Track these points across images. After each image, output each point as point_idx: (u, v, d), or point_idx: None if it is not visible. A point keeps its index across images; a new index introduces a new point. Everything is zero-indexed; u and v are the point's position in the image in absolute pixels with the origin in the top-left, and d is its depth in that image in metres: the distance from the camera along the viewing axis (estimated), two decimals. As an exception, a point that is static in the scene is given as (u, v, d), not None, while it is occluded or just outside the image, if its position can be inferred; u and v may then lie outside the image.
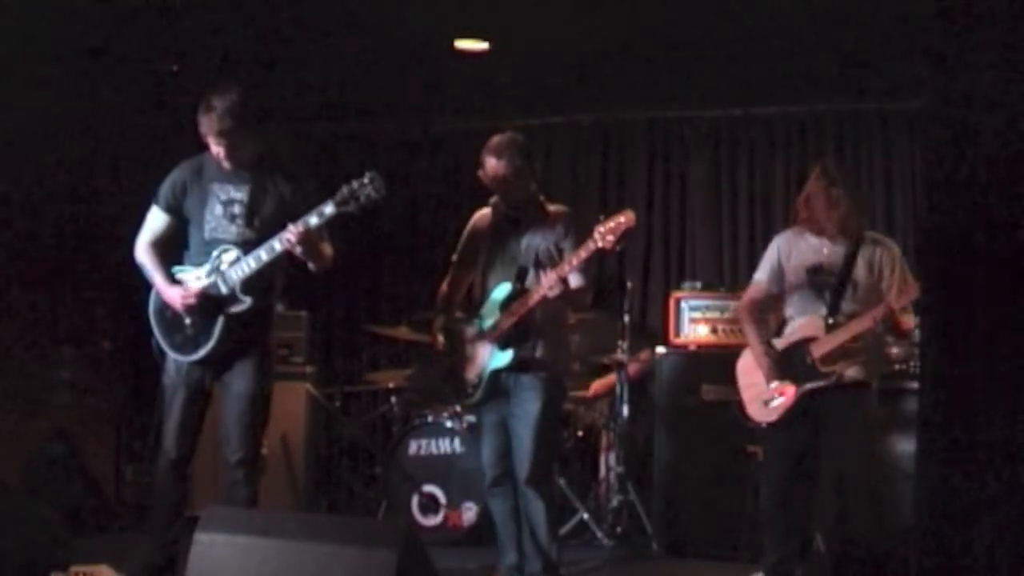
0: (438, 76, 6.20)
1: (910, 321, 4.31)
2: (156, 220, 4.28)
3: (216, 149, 4.11)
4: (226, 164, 4.16)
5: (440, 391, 4.61)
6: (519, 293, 4.22)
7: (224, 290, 4.11)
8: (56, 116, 5.53)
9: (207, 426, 4.34)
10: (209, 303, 4.12)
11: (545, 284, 4.07)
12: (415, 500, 5.59)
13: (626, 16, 5.22)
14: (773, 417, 4.28)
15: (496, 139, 4.33)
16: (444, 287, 4.55)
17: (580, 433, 5.81)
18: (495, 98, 6.46)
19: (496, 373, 4.26)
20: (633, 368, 5.76)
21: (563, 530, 5.35)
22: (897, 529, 4.05)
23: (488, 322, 4.29)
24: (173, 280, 4.21)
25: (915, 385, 4.87)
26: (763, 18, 5.15)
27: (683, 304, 5.66)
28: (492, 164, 4.28)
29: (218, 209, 4.18)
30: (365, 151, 7.22)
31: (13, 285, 5.59)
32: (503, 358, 4.24)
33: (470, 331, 4.38)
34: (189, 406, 4.21)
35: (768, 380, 4.29)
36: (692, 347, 5.59)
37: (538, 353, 4.25)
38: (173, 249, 4.28)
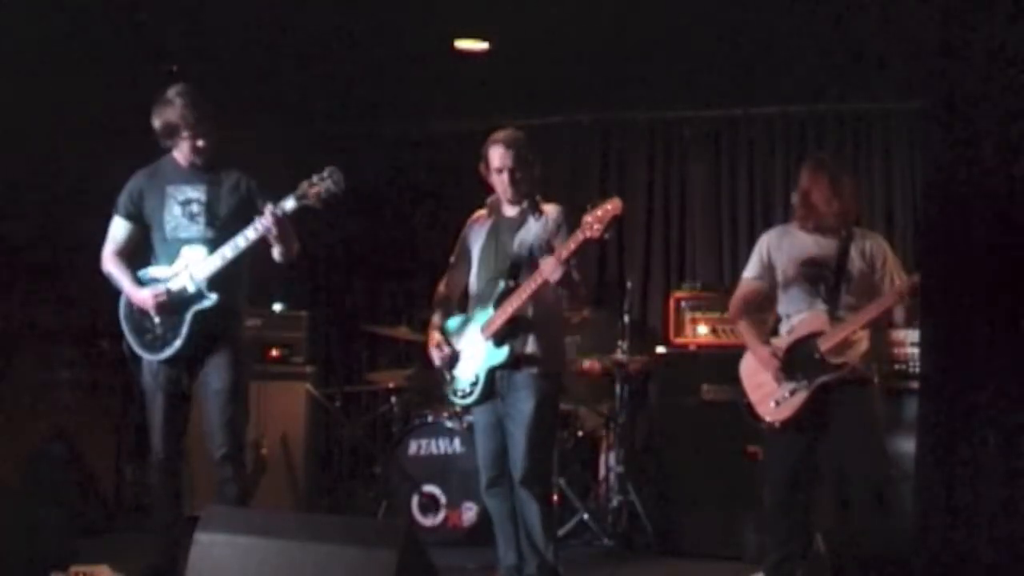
0: (438, 76, 6.20)
1: (899, 315, 4.32)
2: (118, 229, 4.38)
3: (189, 142, 4.23)
4: (198, 158, 4.27)
5: (440, 391, 4.60)
6: (512, 289, 4.22)
7: (191, 288, 4.20)
8: (56, 116, 5.53)
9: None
10: (177, 301, 4.21)
11: (546, 270, 4.05)
12: (415, 500, 5.59)
13: (626, 16, 5.22)
14: (785, 415, 4.25)
15: (503, 132, 4.34)
16: (441, 287, 4.55)
17: (580, 433, 5.81)
18: (495, 98, 6.45)
19: (492, 371, 4.26)
20: (633, 367, 5.75)
21: (563, 530, 5.35)
22: (897, 529, 4.04)
23: (482, 320, 4.29)
24: (141, 284, 4.30)
25: (915, 385, 4.87)
26: (763, 18, 5.15)
27: (683, 304, 5.66)
28: (500, 154, 4.27)
29: (176, 209, 4.28)
30: (365, 151, 7.23)
31: (13, 285, 5.59)
32: (499, 355, 4.23)
33: (465, 329, 4.38)
34: (169, 408, 4.29)
35: (778, 381, 4.26)
36: (692, 347, 5.59)
37: (529, 349, 4.23)
38: (138, 257, 4.37)
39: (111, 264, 4.36)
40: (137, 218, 4.35)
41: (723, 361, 5.30)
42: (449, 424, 5.62)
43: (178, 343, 4.21)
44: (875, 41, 5.31)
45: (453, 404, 4.56)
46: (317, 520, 3.94)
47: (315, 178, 4.09)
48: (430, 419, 5.69)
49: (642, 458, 5.85)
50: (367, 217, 7.17)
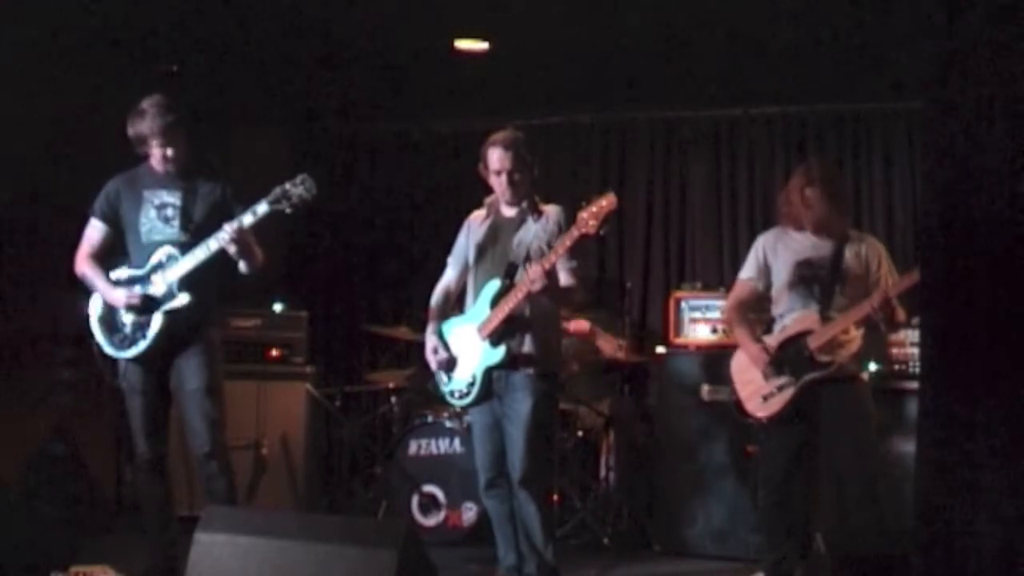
0: (438, 76, 6.20)
1: (903, 313, 4.33)
2: (94, 231, 4.47)
3: (159, 151, 4.32)
4: (170, 165, 4.36)
5: (437, 391, 4.60)
6: (508, 289, 4.22)
7: (162, 288, 4.28)
8: (56, 116, 5.53)
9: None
10: (148, 301, 4.29)
11: (528, 279, 4.07)
12: (415, 500, 5.59)
13: (626, 16, 5.21)
14: (772, 411, 4.28)
15: (502, 133, 4.35)
16: (438, 289, 4.55)
17: (580, 433, 5.80)
18: (495, 98, 6.46)
19: (489, 371, 4.26)
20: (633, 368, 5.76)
21: (563, 530, 5.35)
22: (897, 529, 4.05)
23: (479, 320, 4.29)
24: (113, 284, 4.38)
25: (915, 385, 4.87)
26: (763, 18, 5.15)
27: (683, 304, 5.67)
28: (498, 156, 4.28)
29: (152, 212, 4.37)
30: (365, 151, 7.24)
31: (13, 285, 5.59)
32: (495, 355, 4.23)
33: (462, 329, 4.38)
34: (148, 408, 4.36)
35: (766, 376, 4.30)
36: (692, 347, 5.59)
37: (526, 348, 4.24)
38: (112, 260, 4.44)
39: (85, 265, 4.43)
40: (113, 221, 4.44)
41: (723, 361, 5.30)
42: (449, 424, 5.62)
43: (144, 343, 4.29)
44: (875, 41, 5.31)
45: (452, 404, 4.55)
46: (317, 520, 3.94)
47: (288, 184, 4.20)
48: (430, 419, 5.69)
49: (642, 458, 5.85)
50: (367, 217, 7.17)
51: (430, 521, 5.54)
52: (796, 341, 4.27)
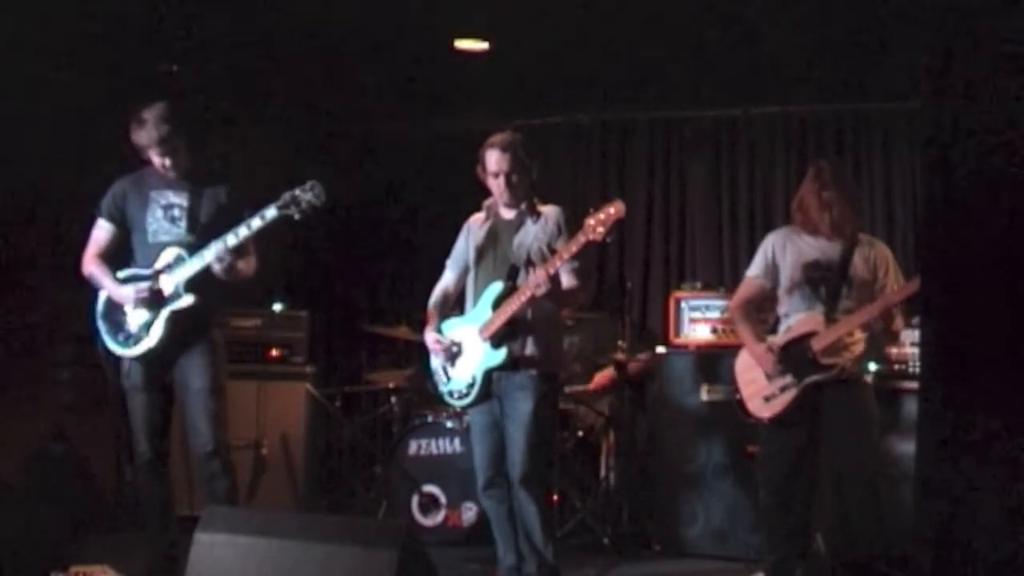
0: (438, 76, 6.20)
1: (900, 323, 4.33)
2: (100, 231, 4.49)
3: (158, 160, 4.35)
4: (171, 173, 4.38)
5: (435, 391, 4.61)
6: (510, 291, 4.22)
7: (170, 288, 4.30)
8: (56, 116, 5.52)
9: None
10: (154, 300, 4.31)
11: (532, 283, 4.08)
12: (415, 500, 5.59)
13: (626, 16, 5.21)
14: (774, 412, 4.28)
15: (499, 135, 4.35)
16: (436, 291, 4.56)
17: (580, 433, 5.81)
18: (495, 98, 6.46)
19: (489, 373, 4.26)
20: (633, 367, 5.77)
21: (563, 530, 5.35)
22: (897, 529, 4.05)
23: (480, 321, 4.29)
24: (121, 282, 4.39)
25: (915, 385, 4.87)
26: (763, 18, 5.15)
27: (683, 304, 5.66)
28: (496, 158, 4.28)
29: (159, 213, 4.39)
30: (365, 151, 7.23)
31: (14, 284, 5.59)
32: (496, 357, 4.23)
33: (461, 331, 4.38)
34: (150, 407, 4.38)
35: (770, 376, 4.30)
36: (692, 347, 5.59)
37: (528, 350, 4.24)
38: (119, 261, 4.46)
39: (92, 265, 4.45)
40: (120, 221, 4.45)
41: (723, 361, 5.31)
42: (449, 424, 5.62)
43: (150, 341, 4.31)
44: (875, 41, 5.31)
45: (451, 405, 4.56)
46: (317, 520, 3.94)
47: (297, 190, 4.21)
48: (430, 419, 5.69)
49: (642, 458, 5.85)
50: (367, 217, 7.17)
51: (430, 521, 5.54)
52: (800, 342, 4.27)
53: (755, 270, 4.49)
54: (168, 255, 4.32)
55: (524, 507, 4.24)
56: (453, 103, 6.68)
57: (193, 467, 4.59)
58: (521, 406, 4.21)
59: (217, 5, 5.10)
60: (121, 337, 4.36)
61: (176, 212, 4.38)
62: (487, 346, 4.25)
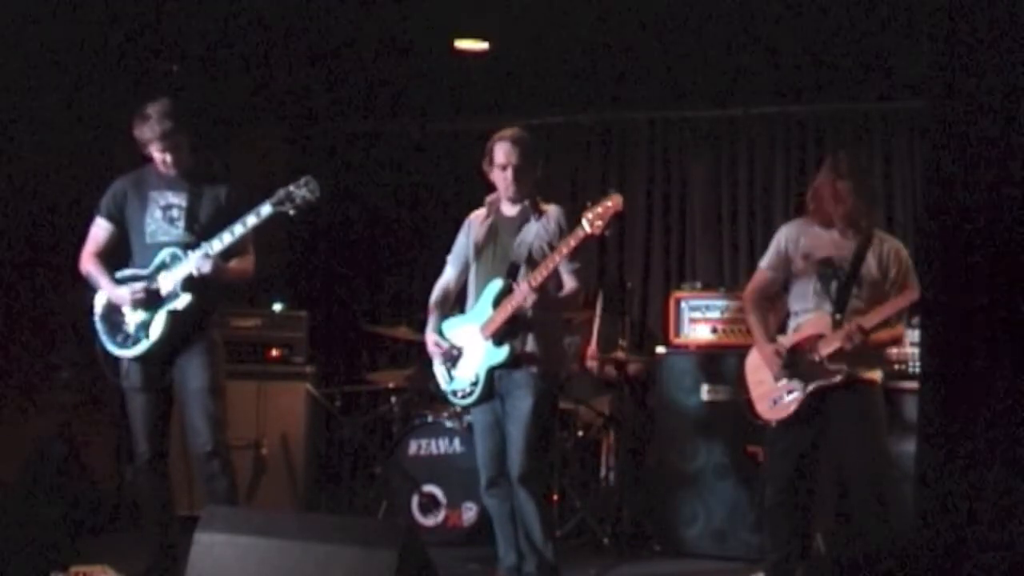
0: (438, 76, 6.20)
1: (887, 335, 4.29)
2: (99, 230, 4.50)
3: (159, 156, 4.35)
4: (171, 169, 4.39)
5: (438, 391, 4.61)
6: (511, 289, 4.22)
7: (168, 288, 4.30)
8: (57, 115, 5.53)
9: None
10: (151, 300, 4.31)
11: (517, 296, 4.12)
12: (415, 500, 5.59)
13: (626, 16, 5.21)
14: (782, 415, 4.26)
15: (509, 129, 4.37)
16: (437, 289, 4.55)
17: (580, 433, 5.80)
18: (495, 98, 6.45)
19: (492, 371, 4.26)
20: (633, 367, 5.77)
21: (563, 530, 5.35)
22: (897, 529, 4.05)
23: (481, 320, 4.29)
24: (118, 283, 4.40)
25: (915, 385, 4.87)
26: (764, 18, 5.15)
27: (683, 304, 5.66)
28: (505, 150, 4.28)
29: (158, 213, 4.40)
30: (365, 151, 7.23)
31: (14, 285, 5.59)
32: (499, 354, 4.24)
33: (463, 329, 4.38)
34: (149, 407, 4.39)
35: (776, 378, 4.27)
36: (692, 347, 5.58)
37: (528, 347, 4.25)
38: (117, 260, 4.46)
39: (90, 264, 4.46)
40: (118, 220, 4.46)
41: (723, 361, 5.31)
42: (449, 424, 5.62)
43: (147, 342, 4.31)
44: (876, 41, 5.31)
45: (453, 404, 4.56)
46: (317, 520, 3.94)
47: (292, 186, 4.22)
48: (430, 419, 5.69)
49: (642, 458, 5.85)
50: (367, 217, 7.17)
51: (430, 521, 5.54)
52: (807, 346, 4.24)
53: (767, 262, 4.45)
54: (165, 255, 4.32)
55: (523, 505, 4.24)
56: (453, 103, 6.68)
57: (193, 467, 4.58)
58: (521, 404, 4.21)
59: (217, 5, 5.09)
60: (119, 338, 4.37)
61: (175, 212, 4.38)
62: (489, 344, 4.25)
